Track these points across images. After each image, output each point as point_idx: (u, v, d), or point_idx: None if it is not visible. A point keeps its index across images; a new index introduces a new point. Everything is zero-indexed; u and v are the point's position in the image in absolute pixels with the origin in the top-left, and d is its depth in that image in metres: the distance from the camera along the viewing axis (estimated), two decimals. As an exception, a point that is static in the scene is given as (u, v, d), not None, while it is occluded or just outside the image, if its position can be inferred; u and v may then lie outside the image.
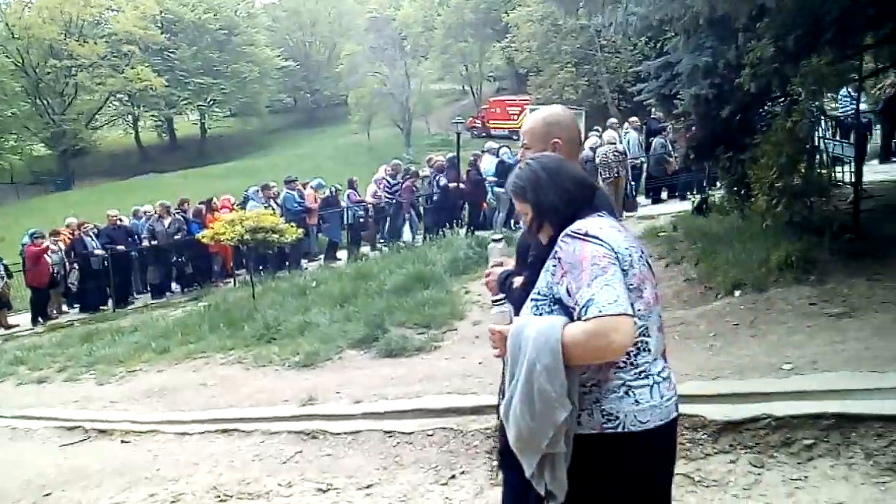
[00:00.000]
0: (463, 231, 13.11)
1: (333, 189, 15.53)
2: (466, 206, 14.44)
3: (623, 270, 2.09)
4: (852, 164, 8.09)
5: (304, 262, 14.33)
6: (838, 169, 8.15)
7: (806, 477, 3.63)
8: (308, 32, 58.87)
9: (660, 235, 9.02)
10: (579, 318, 2.04)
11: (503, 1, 47.25)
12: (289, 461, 5.08)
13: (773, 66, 6.59)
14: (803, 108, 6.42)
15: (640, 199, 14.04)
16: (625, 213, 11.91)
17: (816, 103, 10.03)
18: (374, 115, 46.78)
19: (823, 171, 7.53)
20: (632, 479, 2.16)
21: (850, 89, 11.30)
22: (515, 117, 41.56)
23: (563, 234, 2.15)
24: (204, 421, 6.17)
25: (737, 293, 6.44)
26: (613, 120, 16.09)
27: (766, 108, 7.74)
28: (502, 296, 2.42)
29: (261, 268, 13.23)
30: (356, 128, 47.79)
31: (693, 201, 10.70)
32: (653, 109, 13.13)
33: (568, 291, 2.10)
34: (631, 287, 2.10)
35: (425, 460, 4.65)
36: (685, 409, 4.47)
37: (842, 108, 10.72)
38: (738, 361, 4.98)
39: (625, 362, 2.13)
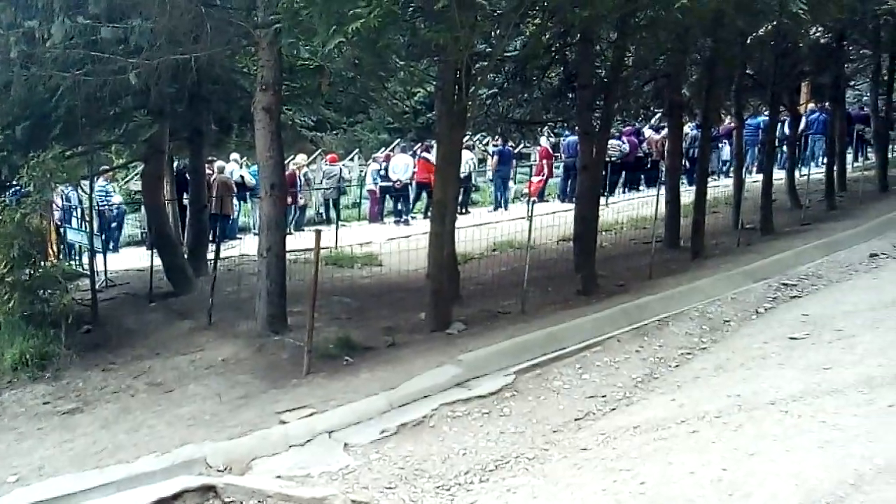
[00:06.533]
0: None
1: None
2: None
3: None
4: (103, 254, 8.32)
5: None
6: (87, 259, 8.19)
7: None
8: None
9: None
10: None
11: None
12: None
13: (2, 155, 6.28)
14: (35, 200, 6.24)
15: None
16: None
17: (72, 191, 10.03)
18: None
19: (68, 262, 7.52)
20: None
21: (104, 180, 11.68)
22: None
23: None
24: None
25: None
26: None
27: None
28: None
29: None
30: None
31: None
32: None
33: None
34: None
35: None
36: None
37: (99, 199, 10.83)
38: (-41, 486, 4.35)
39: None
